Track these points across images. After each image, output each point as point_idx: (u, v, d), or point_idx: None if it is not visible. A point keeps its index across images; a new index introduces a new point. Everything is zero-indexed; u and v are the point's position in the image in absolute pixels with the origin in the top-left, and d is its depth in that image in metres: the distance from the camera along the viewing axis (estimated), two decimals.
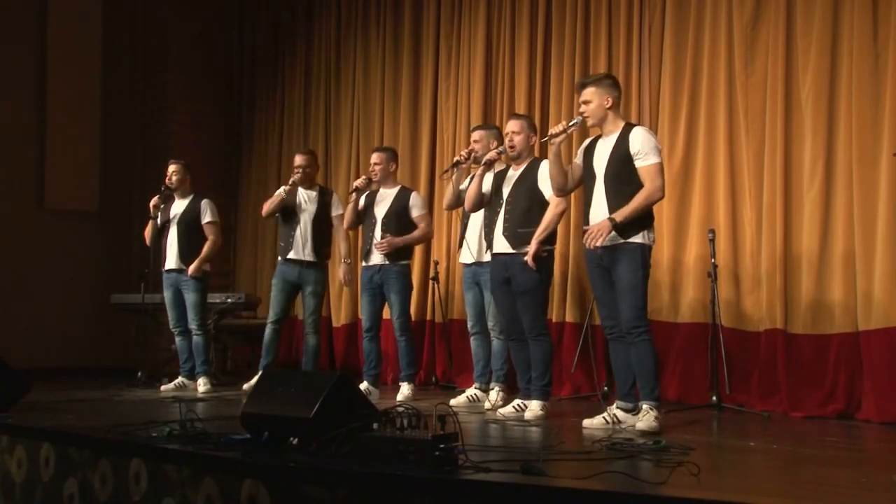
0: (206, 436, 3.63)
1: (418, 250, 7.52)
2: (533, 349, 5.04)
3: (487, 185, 5.31)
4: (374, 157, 6.30)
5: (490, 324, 5.68)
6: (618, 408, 4.56)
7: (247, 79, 9.71)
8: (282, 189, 6.47)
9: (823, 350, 5.28)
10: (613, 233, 4.40)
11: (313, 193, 6.53)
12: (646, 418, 4.30)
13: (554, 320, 6.52)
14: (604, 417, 4.52)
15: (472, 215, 5.64)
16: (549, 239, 5.03)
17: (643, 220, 4.46)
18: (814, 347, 5.32)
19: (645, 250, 4.46)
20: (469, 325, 5.87)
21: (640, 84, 6.34)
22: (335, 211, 6.51)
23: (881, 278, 5.06)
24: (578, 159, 4.73)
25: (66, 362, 8.44)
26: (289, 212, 6.49)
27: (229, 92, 9.71)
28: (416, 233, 6.18)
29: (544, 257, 4.98)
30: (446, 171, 5.83)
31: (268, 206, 6.50)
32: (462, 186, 5.62)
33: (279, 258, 6.56)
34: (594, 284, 4.69)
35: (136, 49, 9.60)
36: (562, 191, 4.79)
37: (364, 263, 6.24)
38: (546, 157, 5.28)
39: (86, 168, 9.12)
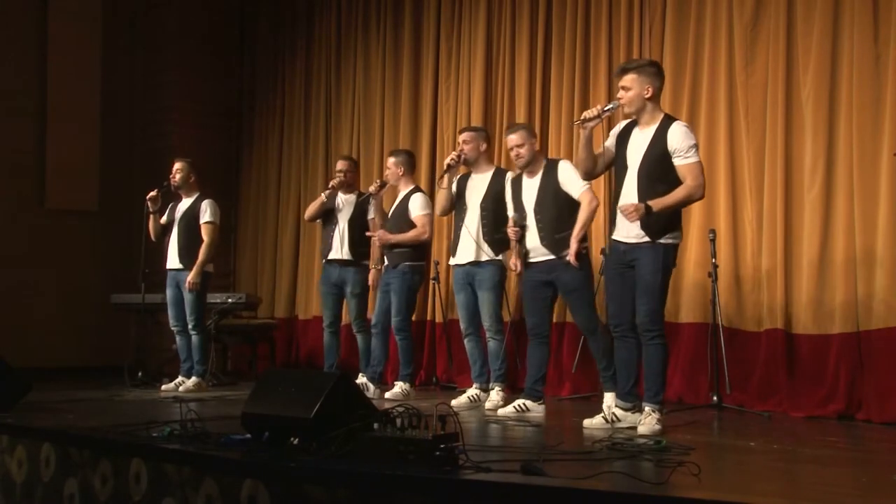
0: (207, 436, 3.63)
1: None
2: (593, 345, 5.17)
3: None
4: (388, 161, 6.47)
5: (486, 324, 5.67)
6: (617, 406, 4.55)
7: (247, 79, 9.70)
8: (323, 194, 6.64)
9: (824, 350, 5.28)
10: (641, 231, 4.34)
11: (352, 197, 6.64)
12: (648, 421, 4.28)
13: (555, 320, 6.51)
14: (603, 416, 4.52)
15: (466, 218, 5.70)
16: (584, 236, 5.11)
17: (671, 220, 4.36)
18: (814, 347, 5.32)
19: (668, 249, 4.36)
20: (462, 326, 5.86)
21: None
22: (371, 215, 6.56)
23: (882, 278, 5.06)
24: (610, 143, 4.59)
25: (66, 362, 8.43)
26: (329, 215, 6.64)
27: (229, 92, 9.70)
28: (410, 232, 6.19)
29: (584, 254, 5.07)
30: (441, 176, 5.87)
31: (310, 210, 6.74)
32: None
33: (322, 260, 6.74)
34: (610, 280, 4.59)
35: (136, 49, 9.60)
36: (589, 175, 4.71)
37: (381, 265, 6.41)
38: (560, 161, 5.31)
39: (86, 168, 9.11)
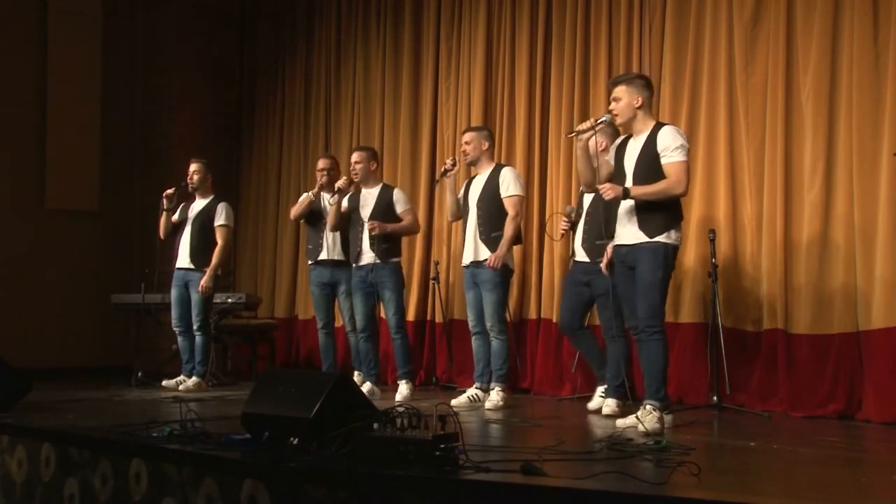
0: (207, 436, 3.63)
1: (418, 250, 7.53)
2: (609, 350, 5.26)
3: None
4: (354, 157, 6.39)
5: (489, 325, 5.68)
6: (648, 406, 4.54)
7: (247, 79, 9.70)
8: (309, 193, 6.59)
9: (823, 350, 5.28)
10: (639, 231, 4.44)
11: (336, 197, 6.58)
12: (648, 419, 4.31)
13: (554, 320, 6.53)
14: (636, 416, 4.50)
15: (468, 219, 5.74)
16: None
17: (667, 218, 4.46)
18: (814, 347, 5.32)
19: (668, 250, 4.46)
20: (470, 324, 5.87)
21: None
22: (332, 211, 6.54)
23: (881, 278, 5.06)
24: (609, 157, 4.73)
25: (66, 362, 8.43)
26: (315, 216, 6.60)
27: (229, 92, 9.69)
28: (403, 223, 6.23)
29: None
30: (437, 181, 5.91)
31: (296, 211, 6.66)
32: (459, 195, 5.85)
33: (309, 261, 6.66)
34: (618, 285, 4.70)
35: (136, 49, 9.59)
36: (589, 187, 4.80)
37: (355, 265, 6.27)
38: None
39: (86, 168, 9.11)
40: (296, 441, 3.33)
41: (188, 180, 6.90)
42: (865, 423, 5.00)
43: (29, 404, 5.12)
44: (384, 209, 6.21)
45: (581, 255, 5.42)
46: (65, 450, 3.96)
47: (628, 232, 4.53)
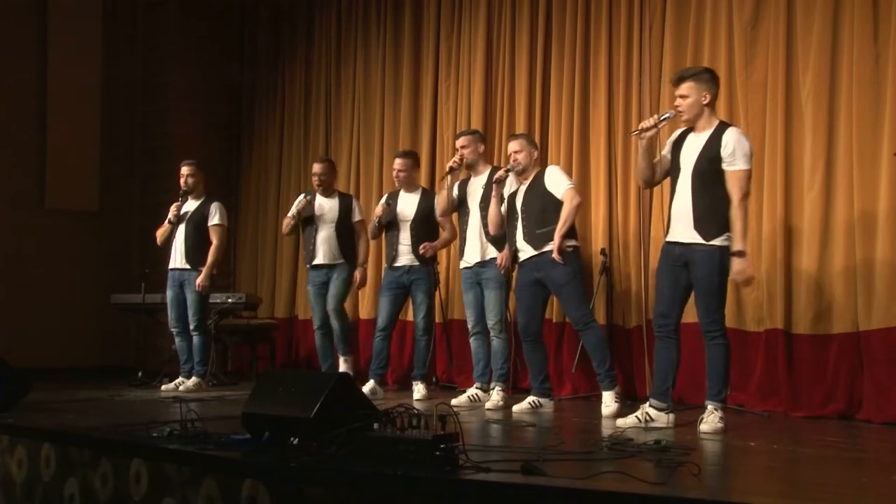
0: (207, 436, 3.63)
1: None
2: (586, 339, 5.23)
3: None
4: (398, 163, 6.35)
5: (490, 323, 5.69)
6: (651, 406, 4.54)
7: (247, 79, 9.69)
8: (301, 198, 6.57)
9: (824, 350, 5.28)
10: (694, 232, 4.39)
11: (334, 200, 6.61)
12: (710, 419, 4.35)
13: (554, 320, 6.52)
14: (636, 416, 4.52)
15: (469, 220, 5.75)
16: (571, 235, 5.19)
17: (724, 221, 4.38)
18: (814, 347, 5.32)
19: (724, 253, 4.39)
20: (469, 325, 5.89)
21: (640, 84, 6.34)
22: (356, 217, 6.64)
23: (881, 278, 5.06)
24: (666, 151, 4.65)
25: (66, 362, 8.44)
26: (309, 219, 6.61)
27: (229, 92, 9.70)
28: (446, 235, 6.26)
29: (569, 252, 5.14)
30: (443, 178, 5.91)
31: (287, 224, 6.67)
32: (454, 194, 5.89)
33: (307, 265, 6.67)
34: (660, 277, 4.65)
35: (136, 49, 9.60)
36: (648, 184, 4.79)
37: (389, 265, 6.29)
38: (549, 166, 5.56)
39: (86, 168, 9.12)
40: (296, 441, 3.33)
41: (182, 184, 6.88)
42: (865, 423, 5.00)
43: (29, 404, 5.13)
44: (426, 214, 6.23)
45: (527, 251, 5.28)
46: (65, 450, 3.96)
47: (683, 230, 4.46)
